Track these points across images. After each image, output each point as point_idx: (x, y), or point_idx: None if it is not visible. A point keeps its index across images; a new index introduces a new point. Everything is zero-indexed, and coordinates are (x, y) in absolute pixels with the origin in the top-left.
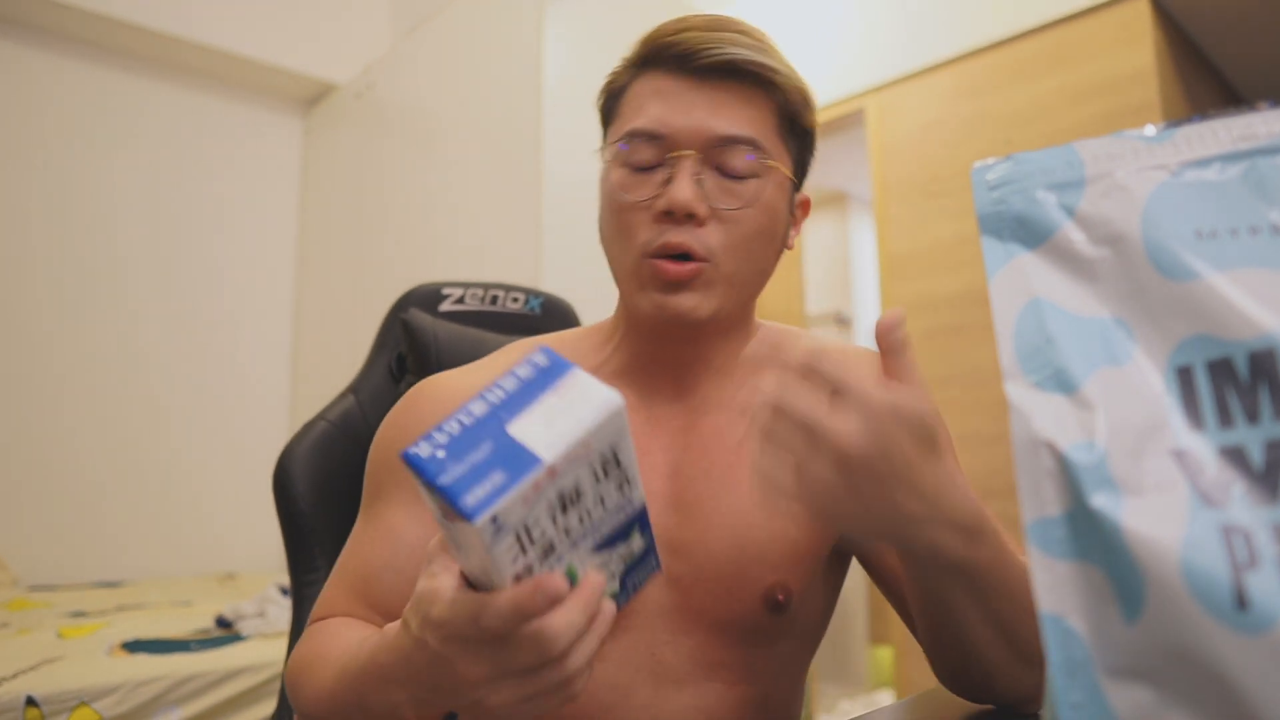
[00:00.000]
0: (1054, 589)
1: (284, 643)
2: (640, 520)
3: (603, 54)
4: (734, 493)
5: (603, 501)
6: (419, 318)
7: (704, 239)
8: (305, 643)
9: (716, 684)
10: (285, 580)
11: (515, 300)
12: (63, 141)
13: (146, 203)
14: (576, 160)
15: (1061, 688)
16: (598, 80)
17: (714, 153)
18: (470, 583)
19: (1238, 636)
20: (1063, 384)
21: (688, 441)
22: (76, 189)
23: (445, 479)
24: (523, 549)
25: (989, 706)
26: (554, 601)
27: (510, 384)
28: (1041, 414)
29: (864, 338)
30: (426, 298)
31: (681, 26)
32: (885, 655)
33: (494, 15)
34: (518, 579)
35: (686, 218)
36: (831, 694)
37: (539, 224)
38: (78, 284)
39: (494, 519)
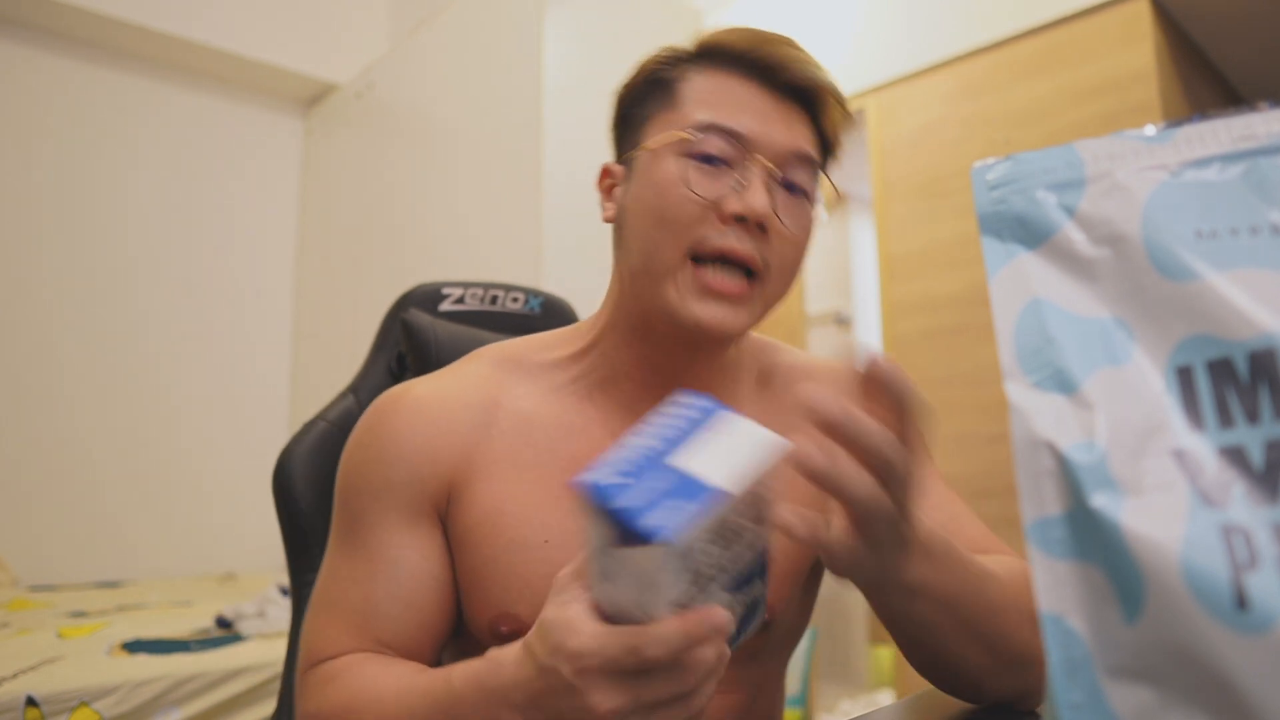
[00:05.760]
0: (1054, 589)
1: (284, 643)
2: (763, 565)
3: (603, 54)
4: None
5: (754, 544)
6: (419, 317)
7: (765, 253)
8: (331, 685)
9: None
10: (285, 580)
11: (515, 300)
12: (62, 141)
13: (146, 202)
14: (577, 160)
15: (1061, 688)
16: (598, 80)
17: (786, 168)
18: (604, 614)
19: (1238, 636)
20: (1063, 384)
21: None
22: (76, 189)
23: (626, 501)
24: (686, 580)
25: (988, 705)
26: (717, 633)
27: (663, 423)
28: (1041, 414)
29: (864, 338)
30: (426, 297)
31: (762, 38)
32: (885, 655)
33: (494, 15)
34: (671, 611)
35: (758, 227)
36: (831, 694)
37: (539, 224)
38: (78, 284)
39: (673, 543)
